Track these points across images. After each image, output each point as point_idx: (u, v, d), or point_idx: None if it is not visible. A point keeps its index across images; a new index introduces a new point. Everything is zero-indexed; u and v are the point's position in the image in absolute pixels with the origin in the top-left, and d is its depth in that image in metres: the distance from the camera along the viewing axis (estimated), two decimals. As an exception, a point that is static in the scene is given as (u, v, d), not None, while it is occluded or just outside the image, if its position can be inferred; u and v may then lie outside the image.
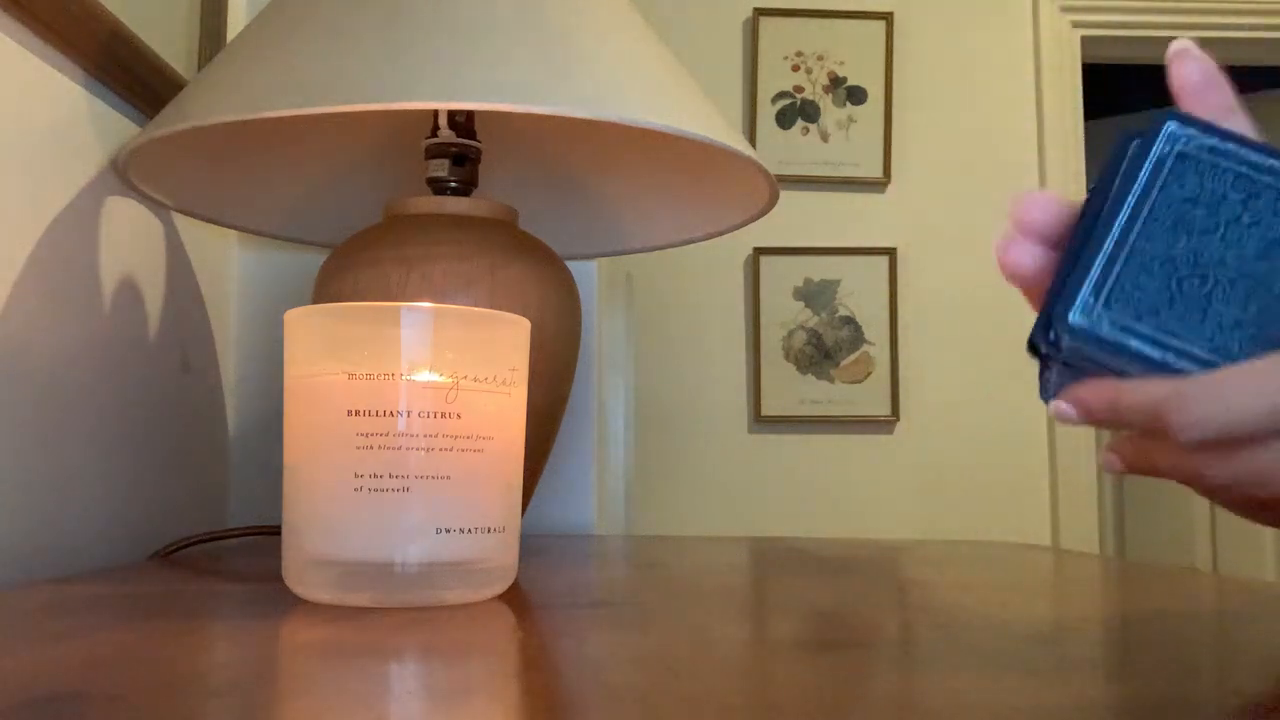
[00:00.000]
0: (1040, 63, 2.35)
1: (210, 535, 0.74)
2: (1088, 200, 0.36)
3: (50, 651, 0.35)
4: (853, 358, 2.27)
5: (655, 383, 2.24)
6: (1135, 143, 0.35)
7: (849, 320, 2.28)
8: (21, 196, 0.65)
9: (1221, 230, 0.34)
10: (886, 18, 2.32)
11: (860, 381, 2.26)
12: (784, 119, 2.31)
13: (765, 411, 2.24)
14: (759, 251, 2.27)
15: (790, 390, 2.25)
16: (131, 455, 0.79)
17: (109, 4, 0.72)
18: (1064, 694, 0.31)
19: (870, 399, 2.26)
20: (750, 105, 2.32)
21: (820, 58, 2.32)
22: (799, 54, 2.32)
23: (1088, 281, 0.34)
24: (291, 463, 0.48)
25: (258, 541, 0.81)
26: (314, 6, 0.63)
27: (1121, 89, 3.34)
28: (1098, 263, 0.34)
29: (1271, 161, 0.34)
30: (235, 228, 0.86)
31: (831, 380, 2.26)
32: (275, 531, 0.73)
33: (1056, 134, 2.34)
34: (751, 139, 2.28)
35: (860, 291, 2.28)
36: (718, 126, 0.66)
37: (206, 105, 0.61)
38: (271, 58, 0.62)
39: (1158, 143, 0.35)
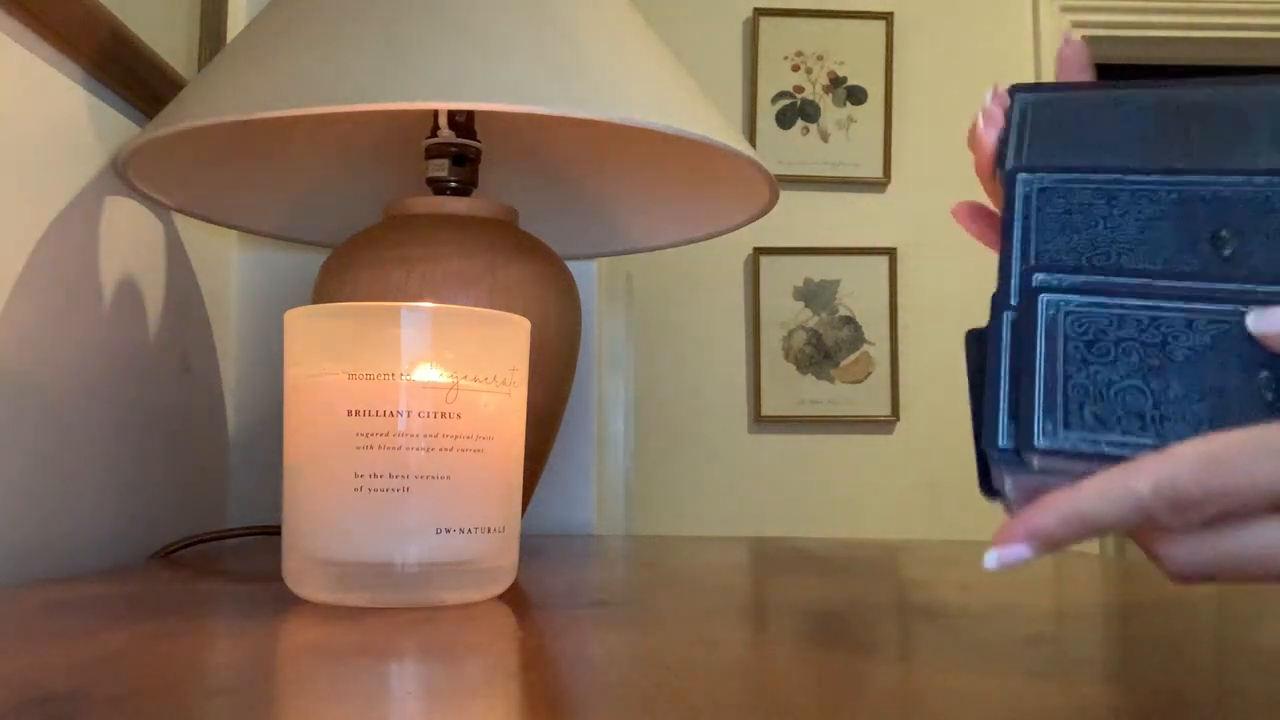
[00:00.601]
0: (1040, 63, 2.35)
1: (210, 535, 0.74)
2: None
3: (50, 651, 0.35)
4: (853, 358, 2.27)
5: (655, 383, 2.23)
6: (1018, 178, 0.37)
7: (849, 320, 2.28)
8: (21, 196, 0.65)
9: (1117, 225, 0.35)
10: (886, 18, 2.32)
11: (860, 381, 2.26)
12: (784, 119, 2.31)
13: (765, 411, 2.24)
14: (759, 251, 2.27)
15: (790, 390, 2.25)
16: (131, 455, 0.79)
17: (109, 4, 0.72)
18: (1064, 694, 0.31)
19: (870, 399, 2.26)
20: (750, 105, 2.32)
21: (820, 58, 2.32)
22: (799, 54, 2.32)
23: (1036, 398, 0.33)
24: (291, 463, 0.48)
25: (258, 541, 0.81)
26: (314, 6, 0.63)
27: (1121, 89, 3.34)
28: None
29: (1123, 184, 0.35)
30: (235, 228, 0.86)
31: (831, 380, 2.26)
32: (275, 531, 0.73)
33: (1056, 134, 2.33)
34: (751, 139, 2.28)
35: (860, 291, 2.28)
36: (718, 126, 0.66)
37: (206, 105, 0.61)
38: (271, 58, 0.62)
39: (1018, 203, 0.36)
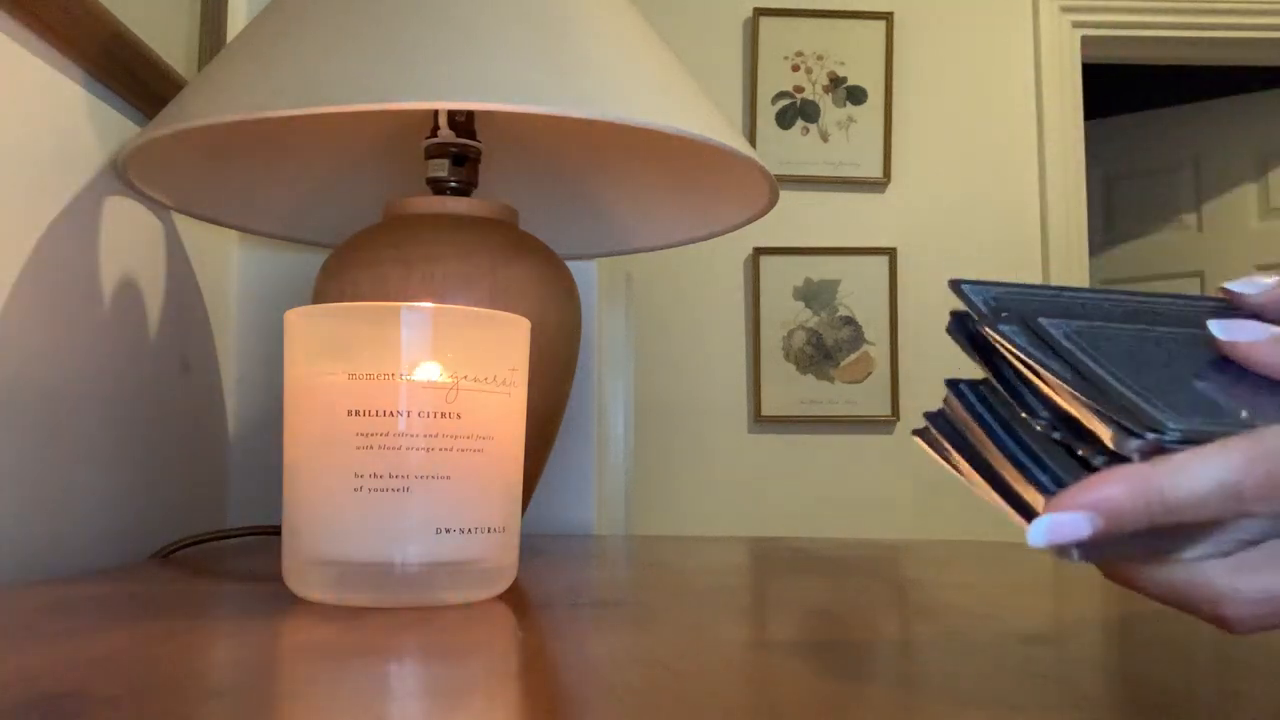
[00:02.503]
0: (1040, 63, 2.35)
1: (210, 535, 0.74)
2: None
3: (50, 651, 0.35)
4: (853, 358, 2.27)
5: (655, 383, 2.23)
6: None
7: (849, 320, 2.28)
8: (21, 196, 0.65)
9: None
10: (886, 18, 2.32)
11: (860, 381, 2.26)
12: (784, 119, 2.31)
13: (765, 411, 2.24)
14: (759, 251, 2.27)
15: (790, 390, 2.25)
16: (131, 455, 0.79)
17: (109, 4, 0.72)
18: (1064, 694, 0.31)
19: (870, 399, 2.26)
20: (750, 105, 2.32)
21: (820, 58, 2.32)
22: (799, 54, 2.32)
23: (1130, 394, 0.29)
24: (291, 463, 0.48)
25: (258, 541, 0.81)
26: (314, 6, 0.63)
27: (1121, 89, 3.34)
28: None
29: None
30: (235, 228, 0.86)
31: (831, 380, 2.26)
32: (275, 531, 0.73)
33: (1056, 134, 2.34)
34: (751, 139, 2.28)
35: (860, 291, 2.28)
36: (718, 126, 0.66)
37: (206, 105, 0.61)
38: (272, 57, 0.62)
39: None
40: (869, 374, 2.26)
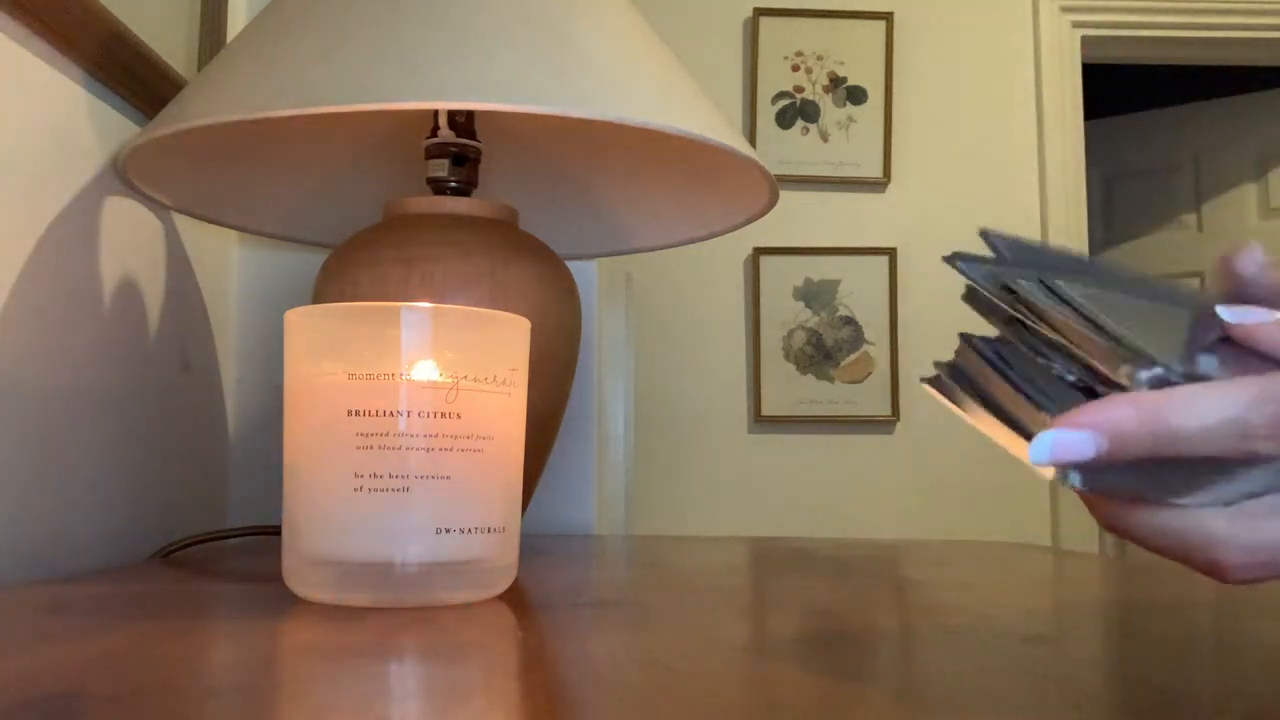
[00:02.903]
0: (1040, 63, 2.35)
1: (210, 535, 0.74)
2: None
3: (50, 651, 0.35)
4: (853, 358, 2.27)
5: (655, 383, 2.23)
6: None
7: (849, 320, 2.28)
8: (21, 197, 0.65)
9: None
10: (886, 18, 2.32)
11: (860, 381, 2.26)
12: (784, 119, 2.31)
13: (765, 411, 2.24)
14: (759, 251, 2.27)
15: (790, 390, 2.25)
16: (131, 455, 0.79)
17: (109, 4, 0.72)
18: (1064, 694, 0.31)
19: (870, 399, 2.26)
20: (750, 105, 2.32)
21: (820, 58, 2.32)
22: (799, 54, 2.32)
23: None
24: (291, 463, 0.48)
25: (258, 541, 0.81)
26: (314, 6, 0.63)
27: (1121, 89, 3.34)
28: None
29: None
30: (235, 228, 0.86)
31: (831, 380, 2.26)
32: (275, 531, 0.73)
33: (1056, 134, 2.34)
34: (751, 139, 2.28)
35: (860, 291, 2.28)
36: (718, 126, 0.66)
37: (206, 105, 0.61)
38: (271, 58, 0.62)
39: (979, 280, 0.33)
40: (869, 374, 2.26)
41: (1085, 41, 2.40)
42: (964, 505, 2.24)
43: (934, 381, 0.35)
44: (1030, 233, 2.32)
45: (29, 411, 0.65)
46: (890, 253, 2.28)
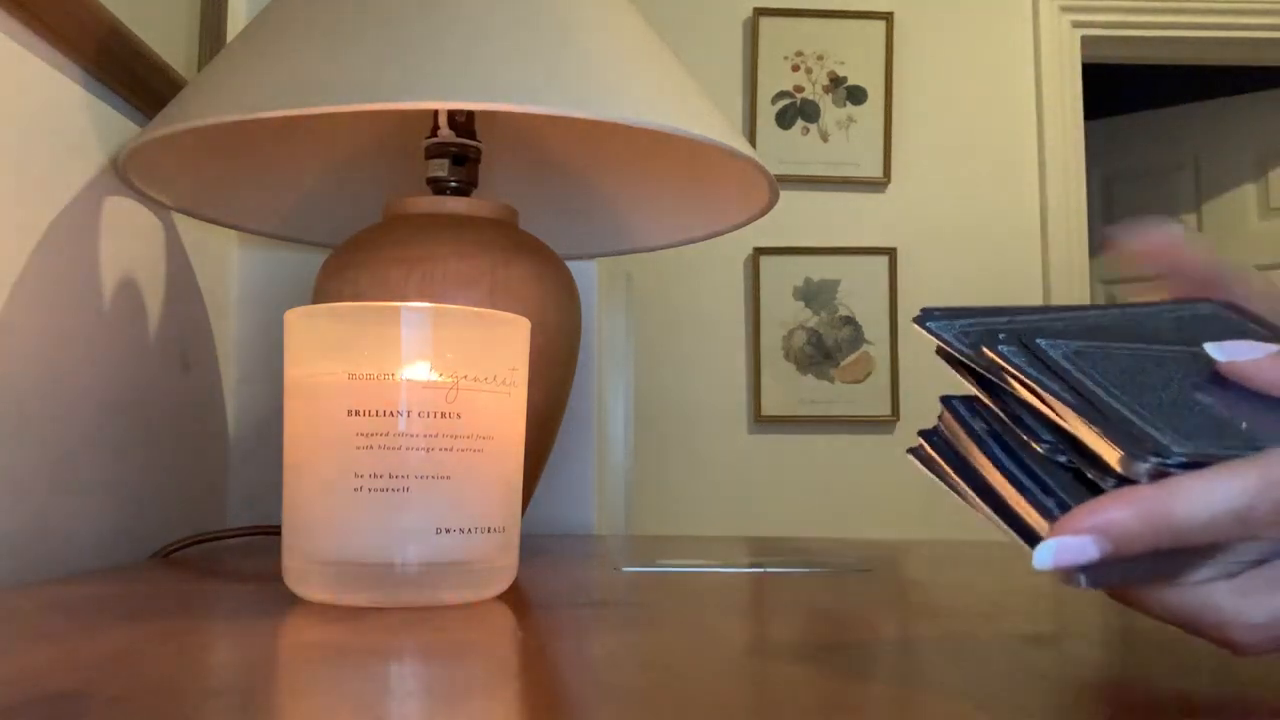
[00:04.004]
0: (1040, 63, 2.35)
1: (210, 535, 0.74)
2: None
3: (50, 651, 0.35)
4: (853, 358, 2.27)
5: (655, 383, 2.23)
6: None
7: (849, 320, 2.28)
8: (21, 197, 0.65)
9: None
10: (886, 18, 2.32)
11: (860, 381, 2.26)
12: (784, 119, 2.31)
13: (765, 411, 2.24)
14: (759, 251, 2.27)
15: (790, 390, 2.25)
16: (131, 455, 0.79)
17: (109, 4, 0.72)
18: (1064, 694, 0.31)
19: (870, 399, 2.26)
20: (750, 105, 2.32)
21: (820, 58, 2.32)
22: (799, 54, 2.32)
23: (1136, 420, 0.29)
24: (291, 463, 0.48)
25: (258, 541, 0.81)
26: (314, 6, 0.63)
27: (1121, 89, 3.34)
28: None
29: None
30: (235, 228, 0.86)
31: (831, 380, 2.26)
32: (275, 531, 0.73)
33: (1056, 134, 2.34)
34: (751, 139, 2.28)
35: (860, 291, 2.28)
36: (718, 126, 0.66)
37: (206, 105, 0.61)
38: (271, 58, 0.62)
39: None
40: (869, 374, 2.26)
41: (1085, 41, 2.40)
42: (964, 505, 2.23)
43: (918, 453, 0.34)
44: (1030, 232, 2.32)
45: (29, 411, 0.65)
46: (890, 253, 2.28)
